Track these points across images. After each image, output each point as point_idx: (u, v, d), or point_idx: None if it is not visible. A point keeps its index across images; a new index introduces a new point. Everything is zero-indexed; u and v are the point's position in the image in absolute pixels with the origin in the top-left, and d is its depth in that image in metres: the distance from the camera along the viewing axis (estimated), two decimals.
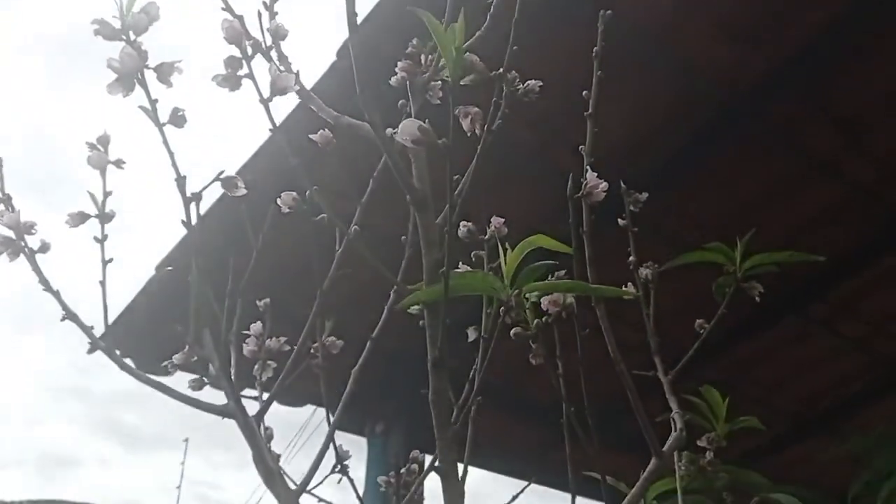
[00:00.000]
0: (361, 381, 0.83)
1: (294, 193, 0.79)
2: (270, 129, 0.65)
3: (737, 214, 2.54)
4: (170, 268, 2.25)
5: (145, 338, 2.22)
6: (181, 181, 0.70)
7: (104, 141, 0.85)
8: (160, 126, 0.69)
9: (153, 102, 0.69)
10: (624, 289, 0.62)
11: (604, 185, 0.66)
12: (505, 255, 0.59)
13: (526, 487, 0.88)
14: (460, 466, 0.61)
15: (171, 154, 0.69)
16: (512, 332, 0.65)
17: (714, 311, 1.06)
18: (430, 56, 0.80)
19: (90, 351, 0.86)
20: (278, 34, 0.72)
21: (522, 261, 0.61)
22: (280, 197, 0.79)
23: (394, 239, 0.83)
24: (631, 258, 1.05)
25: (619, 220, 1.01)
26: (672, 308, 1.03)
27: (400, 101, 0.82)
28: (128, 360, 0.86)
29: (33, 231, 0.91)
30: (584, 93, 0.90)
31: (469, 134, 0.45)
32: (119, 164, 0.86)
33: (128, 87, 0.68)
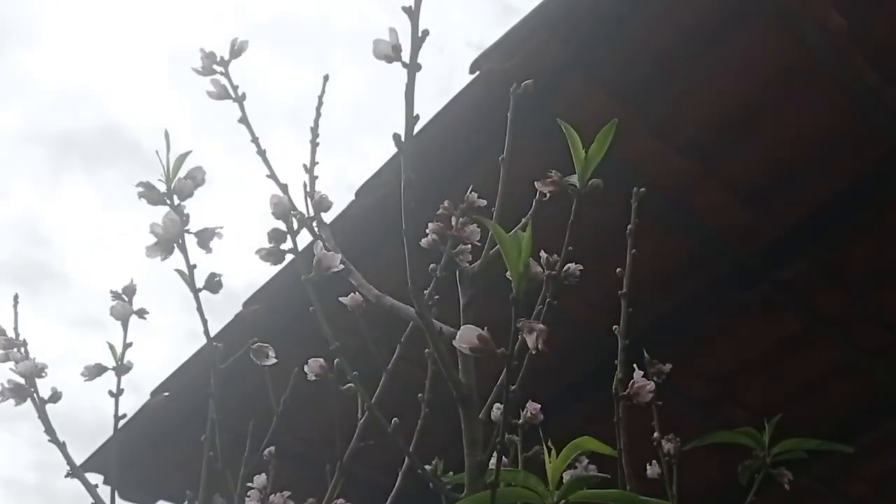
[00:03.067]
0: None
1: (322, 361, 0.77)
2: (312, 308, 0.63)
3: (744, 370, 2.51)
4: (166, 393, 2.19)
5: (131, 466, 2.14)
6: (214, 350, 0.68)
7: (129, 291, 0.84)
8: (196, 292, 0.68)
9: (191, 268, 0.68)
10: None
11: (651, 385, 0.64)
12: (549, 454, 0.56)
13: None
14: None
15: (205, 322, 0.67)
16: None
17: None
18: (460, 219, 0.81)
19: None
20: (322, 205, 0.71)
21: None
22: (307, 364, 0.76)
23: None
24: (655, 434, 1.03)
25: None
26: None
27: (430, 266, 0.82)
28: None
29: (44, 374, 0.88)
30: (619, 270, 0.90)
31: (533, 351, 0.43)
32: (142, 314, 0.85)
33: (167, 251, 0.67)
